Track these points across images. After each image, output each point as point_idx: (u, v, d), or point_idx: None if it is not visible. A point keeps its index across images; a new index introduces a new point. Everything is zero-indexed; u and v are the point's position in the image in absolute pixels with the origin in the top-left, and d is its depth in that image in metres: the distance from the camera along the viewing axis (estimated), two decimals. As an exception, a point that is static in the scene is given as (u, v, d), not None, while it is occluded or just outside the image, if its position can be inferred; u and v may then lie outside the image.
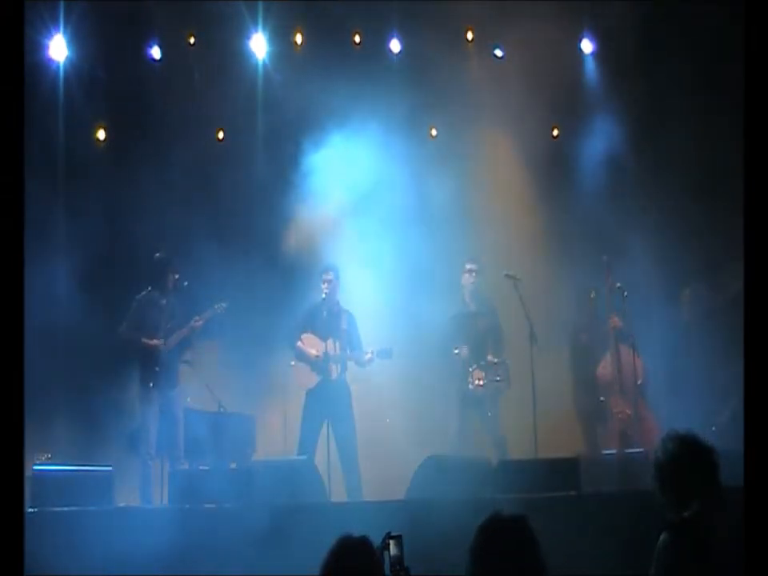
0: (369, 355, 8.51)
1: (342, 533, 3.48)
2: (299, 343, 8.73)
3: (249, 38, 10.22)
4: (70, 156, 9.88)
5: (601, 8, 9.82)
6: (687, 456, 3.82)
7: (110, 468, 7.46)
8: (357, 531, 3.49)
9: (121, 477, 7.80)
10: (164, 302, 8.74)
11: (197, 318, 8.73)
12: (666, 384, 8.71)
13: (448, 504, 6.18)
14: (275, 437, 9.21)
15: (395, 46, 10.44)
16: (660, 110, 9.77)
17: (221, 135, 10.48)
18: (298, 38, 10.34)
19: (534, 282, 8.86)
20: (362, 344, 8.74)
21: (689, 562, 3.66)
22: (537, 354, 8.35)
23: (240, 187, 10.10)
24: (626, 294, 8.50)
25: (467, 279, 9.09)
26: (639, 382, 8.52)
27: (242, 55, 10.29)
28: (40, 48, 9.74)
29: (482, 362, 8.76)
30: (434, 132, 10.60)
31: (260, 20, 10.10)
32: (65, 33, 9.79)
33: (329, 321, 8.69)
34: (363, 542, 3.46)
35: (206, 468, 8.29)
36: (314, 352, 8.62)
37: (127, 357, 8.79)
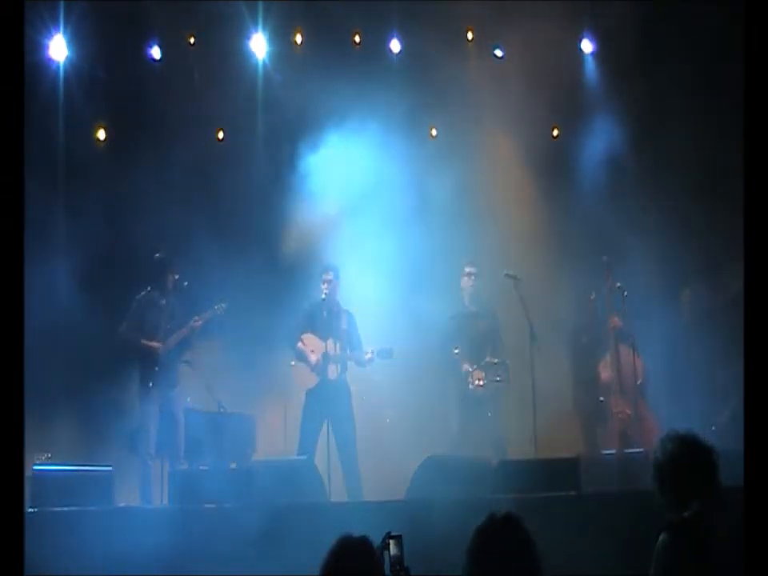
0: (369, 355, 8.51)
1: (342, 533, 3.48)
2: (299, 344, 8.73)
3: (249, 38, 10.22)
4: (70, 156, 9.89)
5: (601, 8, 9.82)
6: (686, 456, 3.82)
7: (110, 468, 7.46)
8: (357, 531, 3.49)
9: (121, 477, 7.80)
10: (164, 302, 8.74)
11: (196, 318, 8.73)
12: (666, 384, 8.71)
13: (448, 504, 6.18)
14: (275, 437, 9.21)
15: (395, 46, 10.45)
16: (660, 110, 9.77)
17: (221, 135, 10.48)
18: (298, 38, 10.35)
19: (533, 282, 8.85)
20: (362, 344, 8.74)
21: (688, 562, 3.66)
22: (537, 353, 8.35)
23: (240, 187, 10.10)
24: (626, 293, 8.51)
25: (466, 282, 9.11)
26: (639, 382, 8.52)
27: (242, 55, 10.29)
28: (40, 48, 9.75)
29: (482, 363, 8.77)
30: (434, 132, 10.60)
31: (260, 20, 10.10)
32: (65, 33, 9.79)
33: (329, 321, 8.69)
34: (363, 542, 3.46)
35: (206, 468, 8.28)
36: (313, 358, 8.62)
37: (127, 357, 8.79)
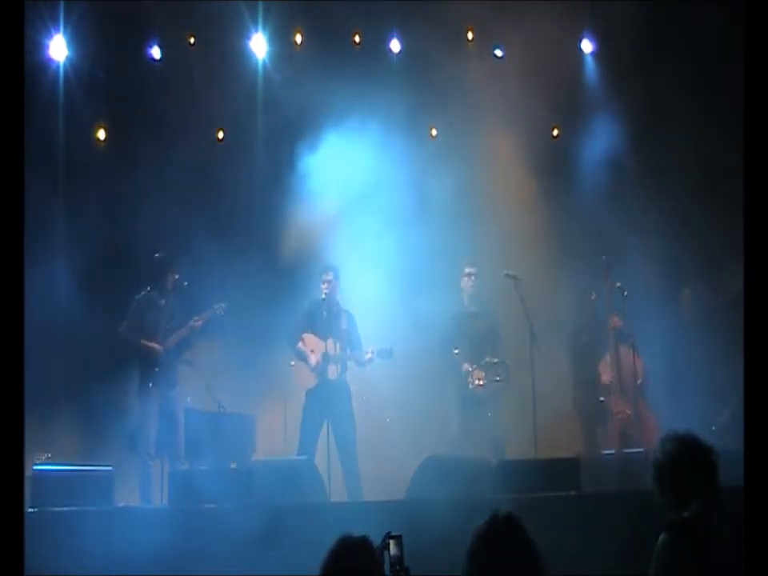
0: (369, 355, 8.51)
1: (342, 533, 3.47)
2: (300, 344, 8.73)
3: (249, 38, 10.23)
4: (70, 156, 9.89)
5: (601, 8, 9.83)
6: (686, 456, 3.82)
7: (109, 468, 7.46)
8: (357, 531, 3.48)
9: (121, 477, 7.80)
10: (163, 302, 8.73)
11: (196, 318, 8.73)
12: (666, 384, 8.71)
13: (448, 504, 6.17)
14: (275, 437, 9.21)
15: (395, 45, 10.45)
16: (660, 110, 9.78)
17: (221, 135, 10.48)
18: (298, 38, 10.35)
19: (533, 282, 8.85)
20: (361, 344, 8.74)
21: (688, 562, 3.66)
22: (537, 353, 8.35)
23: (240, 187, 10.10)
24: (625, 293, 8.51)
25: (466, 283, 9.12)
26: (639, 382, 8.52)
27: (242, 55, 10.29)
28: (40, 48, 9.76)
29: (482, 362, 8.77)
30: (434, 132, 10.60)
31: (260, 20, 10.11)
32: (65, 33, 9.80)
33: (329, 321, 8.69)
34: (363, 542, 3.46)
35: (206, 468, 8.28)
36: (313, 358, 8.62)
37: (127, 357, 8.78)
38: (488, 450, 8.35)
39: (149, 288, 8.78)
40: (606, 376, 8.72)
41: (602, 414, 8.73)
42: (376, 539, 3.56)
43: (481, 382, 8.72)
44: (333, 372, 8.61)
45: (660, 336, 8.69)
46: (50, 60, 9.85)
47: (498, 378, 8.72)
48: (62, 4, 9.63)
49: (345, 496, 8.23)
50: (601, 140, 9.82)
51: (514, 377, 8.72)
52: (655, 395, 8.63)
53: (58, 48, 9.83)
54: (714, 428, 8.11)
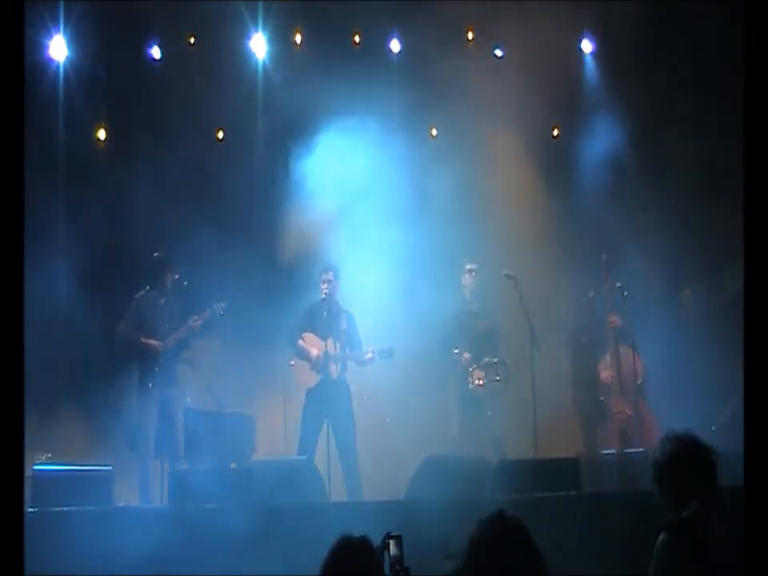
0: (369, 354, 8.50)
1: (342, 533, 3.47)
2: (300, 342, 8.72)
3: (249, 38, 10.23)
4: (70, 156, 9.89)
5: (601, 8, 9.82)
6: (685, 456, 3.82)
7: (109, 468, 7.45)
8: (357, 531, 3.48)
9: (120, 477, 7.79)
10: (162, 301, 8.73)
11: (195, 317, 8.72)
12: (666, 384, 8.71)
13: (448, 504, 6.18)
14: (275, 437, 9.21)
15: (395, 45, 10.46)
16: (660, 110, 9.79)
17: (221, 135, 10.48)
18: (298, 38, 10.36)
19: (533, 282, 8.86)
20: (361, 344, 8.73)
21: (688, 562, 3.66)
22: (537, 353, 8.35)
23: (240, 187, 10.10)
24: (625, 293, 8.51)
25: (468, 279, 9.13)
26: (639, 382, 8.53)
27: (241, 55, 10.29)
28: (40, 48, 9.75)
29: (482, 362, 8.77)
30: (434, 132, 10.61)
31: (260, 20, 10.11)
32: (65, 33, 9.80)
33: (328, 321, 8.68)
34: (363, 542, 3.46)
35: (206, 468, 8.28)
36: (315, 351, 8.62)
37: (126, 357, 8.79)
38: (488, 450, 8.36)
39: (148, 287, 8.78)
40: (606, 376, 8.72)
41: (601, 414, 8.74)
42: (376, 539, 3.56)
43: (481, 382, 8.72)
44: (333, 372, 8.60)
45: (660, 336, 8.70)
46: (50, 60, 9.85)
47: (497, 378, 8.72)
48: (61, 4, 9.63)
49: (345, 496, 8.22)
50: (601, 140, 9.82)
51: (514, 377, 8.72)
52: (655, 395, 8.64)
53: (58, 48, 9.83)
54: (714, 428, 8.12)
